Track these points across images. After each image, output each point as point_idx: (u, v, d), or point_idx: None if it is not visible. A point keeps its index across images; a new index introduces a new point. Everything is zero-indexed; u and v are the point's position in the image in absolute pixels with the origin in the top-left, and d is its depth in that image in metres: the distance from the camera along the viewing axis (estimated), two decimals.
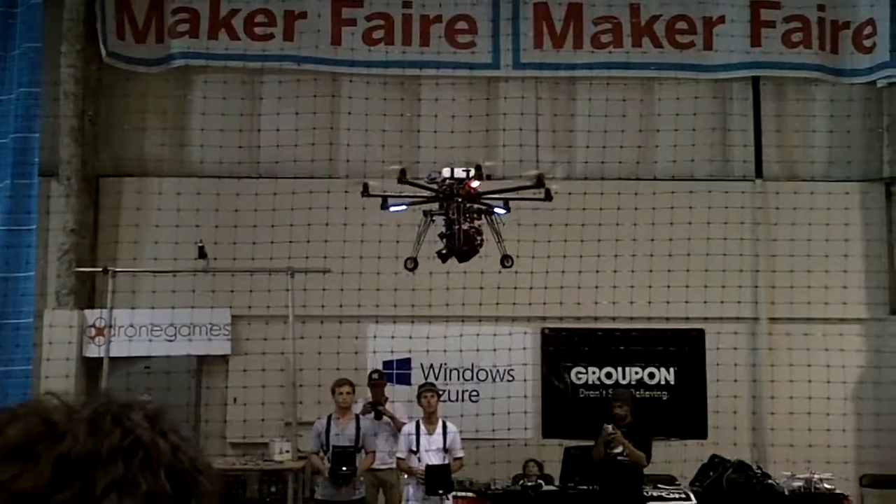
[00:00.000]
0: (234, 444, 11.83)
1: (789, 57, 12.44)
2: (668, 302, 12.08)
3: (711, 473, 10.51)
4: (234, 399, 11.88)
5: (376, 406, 10.04)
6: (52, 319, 11.60)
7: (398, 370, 11.92)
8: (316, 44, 12.32)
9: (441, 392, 10.09)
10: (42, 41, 11.28)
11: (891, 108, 12.59)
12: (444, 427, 9.35)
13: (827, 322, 12.16)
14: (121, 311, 11.43)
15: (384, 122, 12.36)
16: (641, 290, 12.08)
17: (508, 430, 11.91)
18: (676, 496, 10.09)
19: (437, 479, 9.02)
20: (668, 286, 12.06)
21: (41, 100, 11.28)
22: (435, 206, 8.98)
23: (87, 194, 12.12)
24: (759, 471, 10.54)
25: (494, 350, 12.00)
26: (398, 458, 9.42)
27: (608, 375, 12.28)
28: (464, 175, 8.57)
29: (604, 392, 11.96)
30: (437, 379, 11.72)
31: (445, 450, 9.21)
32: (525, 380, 12.13)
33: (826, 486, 10.22)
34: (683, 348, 12.28)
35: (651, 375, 12.29)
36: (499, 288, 11.65)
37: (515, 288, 11.69)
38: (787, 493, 10.15)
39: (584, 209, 11.90)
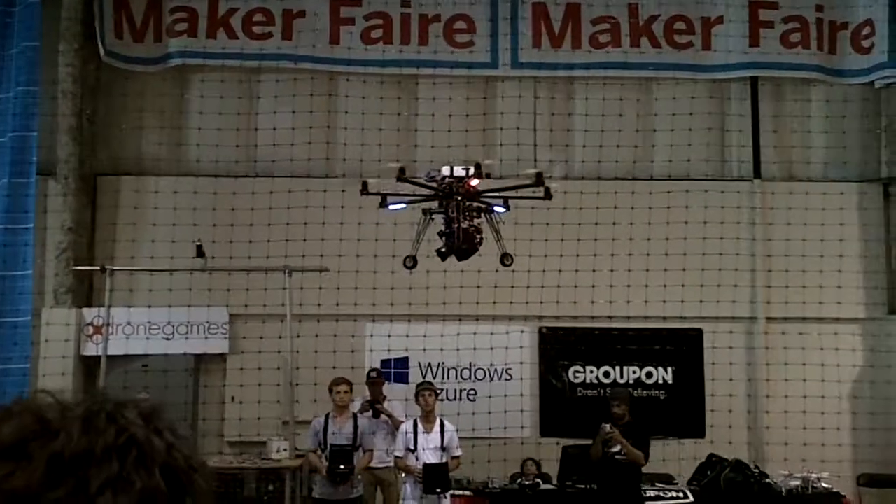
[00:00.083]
0: (232, 442, 11.83)
1: (787, 57, 12.44)
2: (664, 301, 12.08)
3: (709, 472, 10.52)
4: (232, 398, 11.88)
5: (374, 404, 10.05)
6: (50, 318, 11.60)
7: (396, 369, 11.92)
8: (314, 43, 12.31)
9: (439, 391, 10.09)
10: (40, 40, 11.27)
11: (888, 109, 12.59)
12: (442, 426, 9.35)
13: (825, 322, 12.17)
14: (118, 309, 11.43)
15: (381, 121, 12.36)
16: (639, 289, 12.09)
17: (505, 428, 11.91)
18: (674, 495, 10.10)
19: (434, 477, 9.03)
20: (666, 286, 12.06)
21: (39, 98, 11.27)
22: (434, 204, 8.97)
23: (85, 193, 12.11)
24: (756, 470, 10.55)
25: (491, 349, 12.00)
26: (396, 457, 9.42)
27: (606, 374, 12.28)
28: (463, 173, 8.56)
29: (601, 391, 11.96)
30: (434, 378, 11.72)
31: (443, 448, 9.21)
32: (522, 379, 12.13)
33: (823, 485, 10.22)
34: (681, 348, 12.29)
35: (649, 375, 12.29)
36: (496, 287, 11.65)
37: (513, 287, 11.69)
38: (784, 492, 10.16)
39: (580, 208, 11.90)
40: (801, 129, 12.67)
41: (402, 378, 11.83)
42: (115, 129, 12.45)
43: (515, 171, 10.57)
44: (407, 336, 11.94)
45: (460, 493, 10.02)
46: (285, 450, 10.58)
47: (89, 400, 0.99)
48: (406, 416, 9.93)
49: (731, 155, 12.65)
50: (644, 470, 9.47)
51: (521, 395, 12.06)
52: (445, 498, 9.22)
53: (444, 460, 9.17)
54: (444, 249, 8.81)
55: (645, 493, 9.75)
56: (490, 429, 11.82)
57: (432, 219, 9.04)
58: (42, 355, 11.34)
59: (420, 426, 9.30)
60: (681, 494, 10.10)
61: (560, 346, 12.29)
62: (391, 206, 9.22)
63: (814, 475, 10.25)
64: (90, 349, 11.60)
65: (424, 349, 11.95)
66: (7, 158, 11.05)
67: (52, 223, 11.89)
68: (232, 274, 11.75)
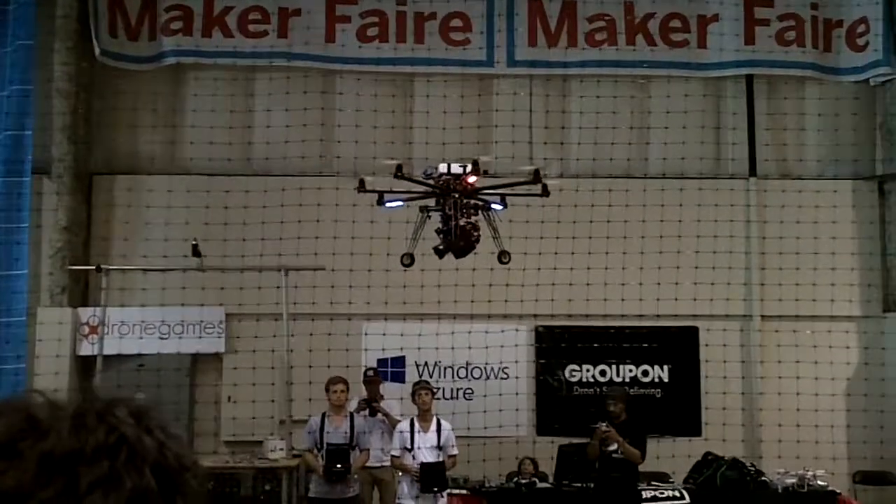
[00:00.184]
0: (228, 442, 11.82)
1: (783, 55, 12.45)
2: (658, 299, 12.08)
3: (705, 470, 10.53)
4: (229, 397, 11.86)
5: (371, 403, 10.04)
6: (45, 317, 11.57)
7: (392, 368, 11.92)
8: (310, 41, 12.30)
9: (435, 390, 10.08)
10: (35, 39, 11.27)
11: (883, 107, 12.61)
12: (439, 425, 9.34)
13: (820, 320, 12.19)
14: (114, 308, 11.40)
15: (376, 118, 12.34)
16: (634, 287, 12.09)
17: (500, 426, 11.89)
18: (670, 495, 10.09)
19: (431, 476, 9.02)
20: (662, 284, 12.07)
21: (34, 97, 11.26)
22: (431, 201, 8.95)
23: (80, 192, 12.09)
24: (752, 468, 10.56)
25: (486, 347, 11.99)
26: (392, 456, 9.41)
27: (602, 373, 12.28)
28: (461, 170, 8.55)
29: (598, 389, 11.96)
30: (431, 377, 11.72)
31: (440, 447, 9.20)
32: (518, 377, 12.12)
33: (819, 482, 10.23)
34: (677, 346, 12.29)
35: (645, 373, 12.30)
36: (491, 285, 11.64)
37: (508, 285, 11.69)
38: (780, 490, 10.18)
39: (575, 206, 11.89)
40: (795, 127, 12.69)
41: (399, 377, 11.83)
42: (109, 128, 12.42)
43: (510, 168, 10.57)
44: (402, 335, 11.93)
45: (457, 492, 10.01)
46: (281, 449, 10.57)
47: (80, 399, 0.98)
48: (402, 415, 9.92)
49: (726, 153, 12.66)
50: (640, 468, 9.48)
51: (517, 393, 12.06)
52: (442, 497, 9.22)
53: (440, 459, 9.16)
54: (441, 247, 8.79)
55: (641, 493, 9.75)
56: (486, 427, 11.81)
57: (429, 216, 9.01)
58: (37, 355, 11.32)
59: (417, 425, 9.29)
60: (677, 494, 10.10)
61: (556, 345, 12.29)
62: (388, 204, 9.19)
63: (810, 473, 10.27)
64: (85, 349, 11.58)
65: (419, 348, 11.94)
66: (1, 157, 11.05)
67: (46, 222, 11.86)
68: (227, 273, 11.73)
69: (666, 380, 12.30)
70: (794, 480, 10.18)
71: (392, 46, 12.36)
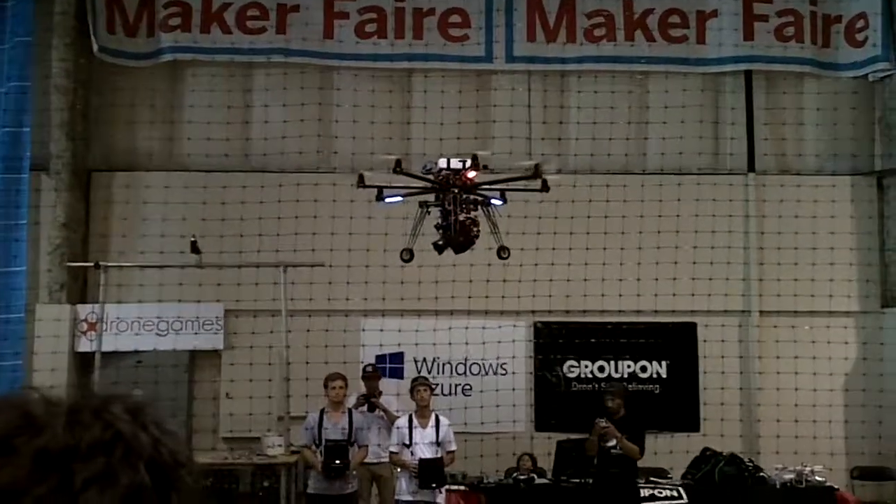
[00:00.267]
0: (226, 438, 11.82)
1: (781, 51, 12.46)
2: (656, 295, 12.10)
3: (703, 466, 10.53)
4: (227, 394, 11.86)
5: (370, 399, 10.04)
6: (44, 314, 11.57)
7: (391, 364, 11.92)
8: (308, 37, 12.28)
9: (434, 386, 10.08)
10: (33, 35, 11.26)
11: (882, 102, 12.61)
12: (437, 421, 9.34)
13: (818, 315, 12.20)
14: (112, 305, 11.39)
15: (373, 114, 12.33)
16: (633, 283, 12.10)
17: (498, 422, 11.91)
18: (668, 495, 10.07)
19: (429, 472, 9.02)
20: (661, 279, 12.08)
21: (32, 94, 11.25)
22: (430, 197, 8.94)
23: (78, 188, 12.08)
24: (750, 463, 10.56)
25: (484, 343, 12.00)
26: (391, 452, 9.40)
27: (601, 369, 12.30)
28: (460, 165, 8.53)
29: (596, 385, 11.97)
30: (429, 373, 11.72)
31: (438, 443, 9.19)
32: (516, 373, 12.13)
33: (817, 478, 10.24)
34: (675, 341, 12.30)
35: (643, 369, 12.31)
36: (488, 281, 11.65)
37: (505, 281, 11.69)
38: (778, 485, 10.18)
39: (573, 202, 11.89)
40: (794, 123, 12.69)
41: (397, 373, 11.83)
42: (108, 125, 12.40)
43: (508, 164, 10.55)
44: (400, 331, 11.93)
45: (455, 487, 10.01)
46: (280, 445, 10.57)
47: (75, 395, 0.98)
48: (400, 411, 9.92)
49: (725, 148, 12.66)
50: (639, 464, 9.47)
51: (515, 389, 12.07)
52: (441, 493, 9.22)
53: (439, 455, 9.16)
54: (440, 242, 8.77)
55: (639, 489, 9.75)
56: (484, 423, 11.82)
57: (429, 212, 8.99)
58: (35, 351, 11.31)
59: (415, 421, 9.28)
60: (675, 494, 10.08)
61: (554, 341, 12.30)
62: (388, 199, 9.16)
63: (808, 468, 10.28)
64: (84, 345, 11.58)
65: (417, 344, 11.95)
66: None
67: (45, 219, 11.85)
68: (225, 269, 11.73)
69: (664, 375, 12.31)
70: (792, 476, 10.18)
71: (390, 42, 12.36)
